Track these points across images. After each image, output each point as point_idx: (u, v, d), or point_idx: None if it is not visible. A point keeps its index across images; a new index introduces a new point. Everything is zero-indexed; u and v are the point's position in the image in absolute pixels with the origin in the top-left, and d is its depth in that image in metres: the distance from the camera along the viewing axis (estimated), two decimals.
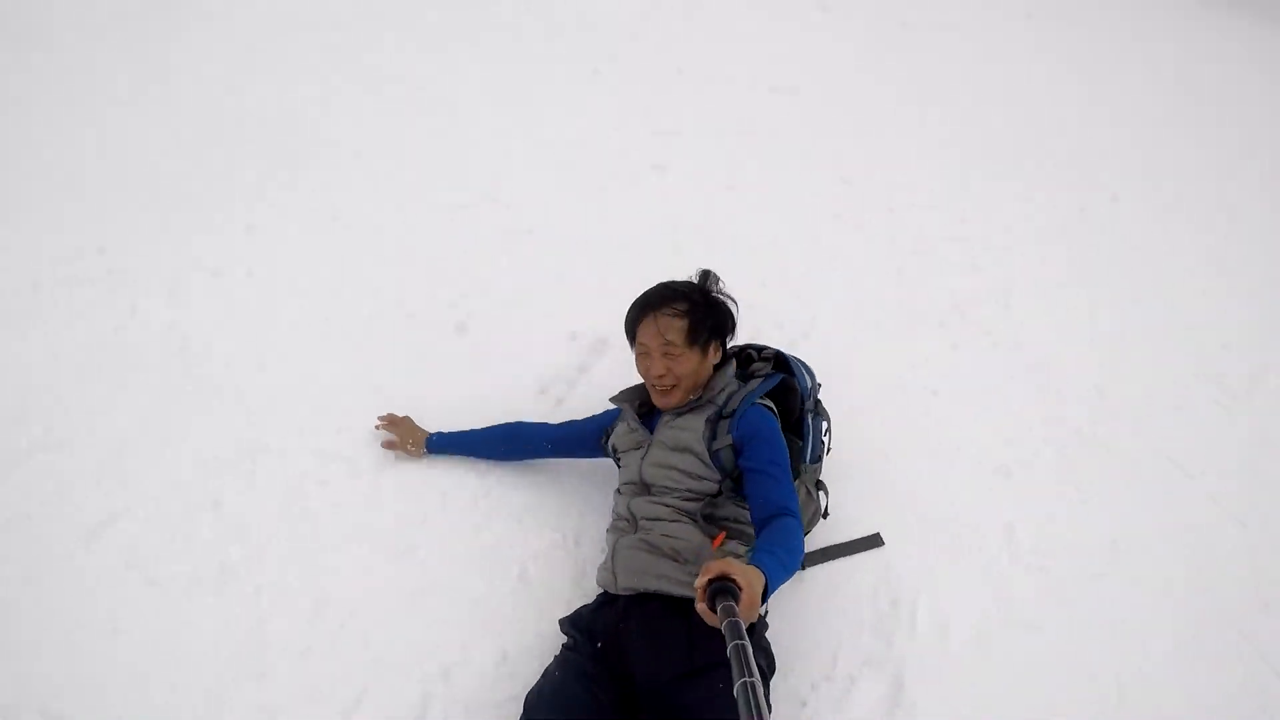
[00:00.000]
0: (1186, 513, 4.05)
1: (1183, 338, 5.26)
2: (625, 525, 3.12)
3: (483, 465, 3.73)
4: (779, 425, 3.11)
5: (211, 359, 3.99)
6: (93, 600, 3.02)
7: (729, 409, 3.13)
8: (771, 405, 3.23)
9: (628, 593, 2.95)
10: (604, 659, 2.82)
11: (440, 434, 3.66)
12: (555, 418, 3.84)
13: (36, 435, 3.50)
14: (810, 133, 6.81)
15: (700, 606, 2.26)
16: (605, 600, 3.03)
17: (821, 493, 3.51)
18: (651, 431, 3.27)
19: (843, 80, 7.68)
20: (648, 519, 3.06)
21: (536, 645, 3.12)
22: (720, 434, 3.08)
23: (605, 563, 3.10)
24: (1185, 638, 3.44)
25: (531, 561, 3.41)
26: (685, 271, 3.31)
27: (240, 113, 5.61)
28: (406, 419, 3.71)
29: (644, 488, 3.16)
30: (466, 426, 3.72)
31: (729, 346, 3.38)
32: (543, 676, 2.82)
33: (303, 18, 6.62)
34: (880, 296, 5.18)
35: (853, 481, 3.78)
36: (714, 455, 3.06)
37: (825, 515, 3.54)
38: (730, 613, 2.18)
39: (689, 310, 3.15)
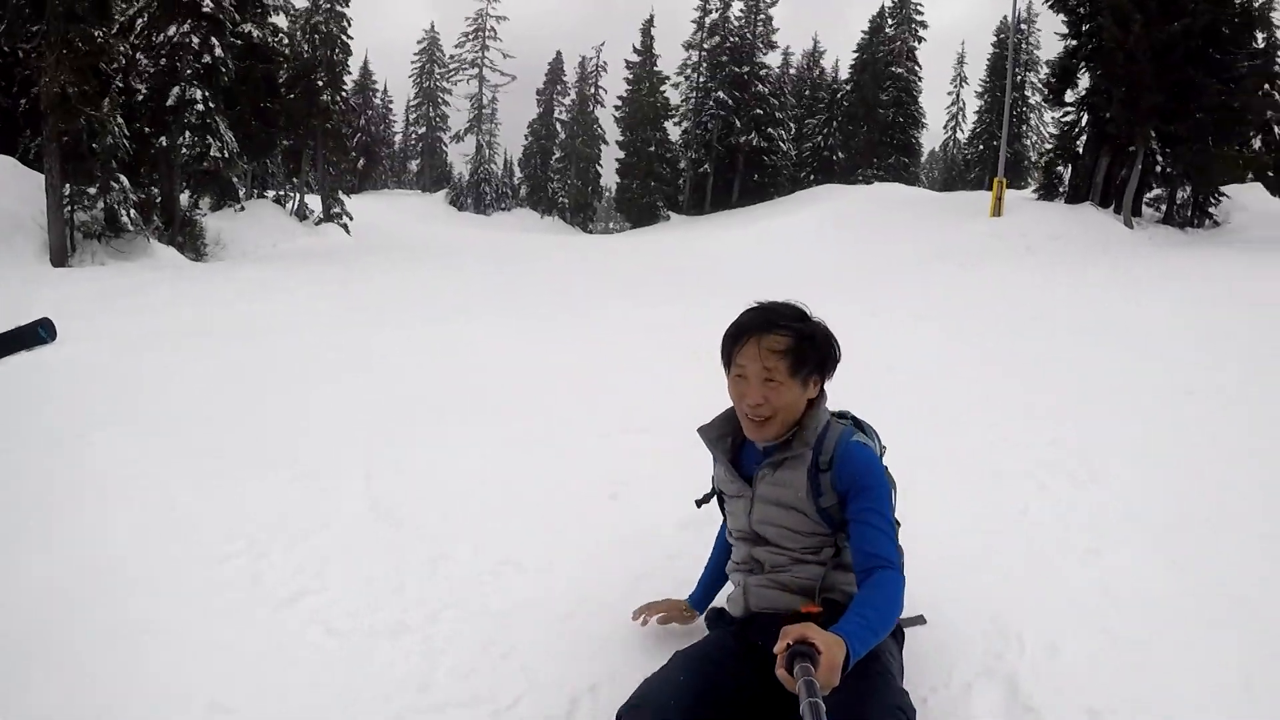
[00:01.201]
0: None
1: None
2: (752, 566, 3.17)
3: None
4: (879, 461, 3.07)
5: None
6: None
7: (824, 458, 3.00)
8: (868, 439, 3.16)
9: (762, 614, 3.07)
10: (745, 640, 3.00)
11: (694, 593, 3.68)
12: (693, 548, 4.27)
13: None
14: None
15: (780, 672, 2.32)
16: (744, 617, 3.15)
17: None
18: (749, 482, 3.17)
19: None
20: (773, 566, 3.11)
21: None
22: (825, 489, 3.00)
23: (736, 596, 3.18)
24: None
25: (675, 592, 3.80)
26: None
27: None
28: (664, 600, 3.70)
29: (758, 538, 3.16)
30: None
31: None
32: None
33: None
34: None
35: None
36: (822, 512, 3.02)
37: None
38: (807, 673, 2.24)
39: (796, 338, 2.97)
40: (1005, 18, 62.90)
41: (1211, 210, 26.76)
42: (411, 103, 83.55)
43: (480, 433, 6.71)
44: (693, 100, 67.26)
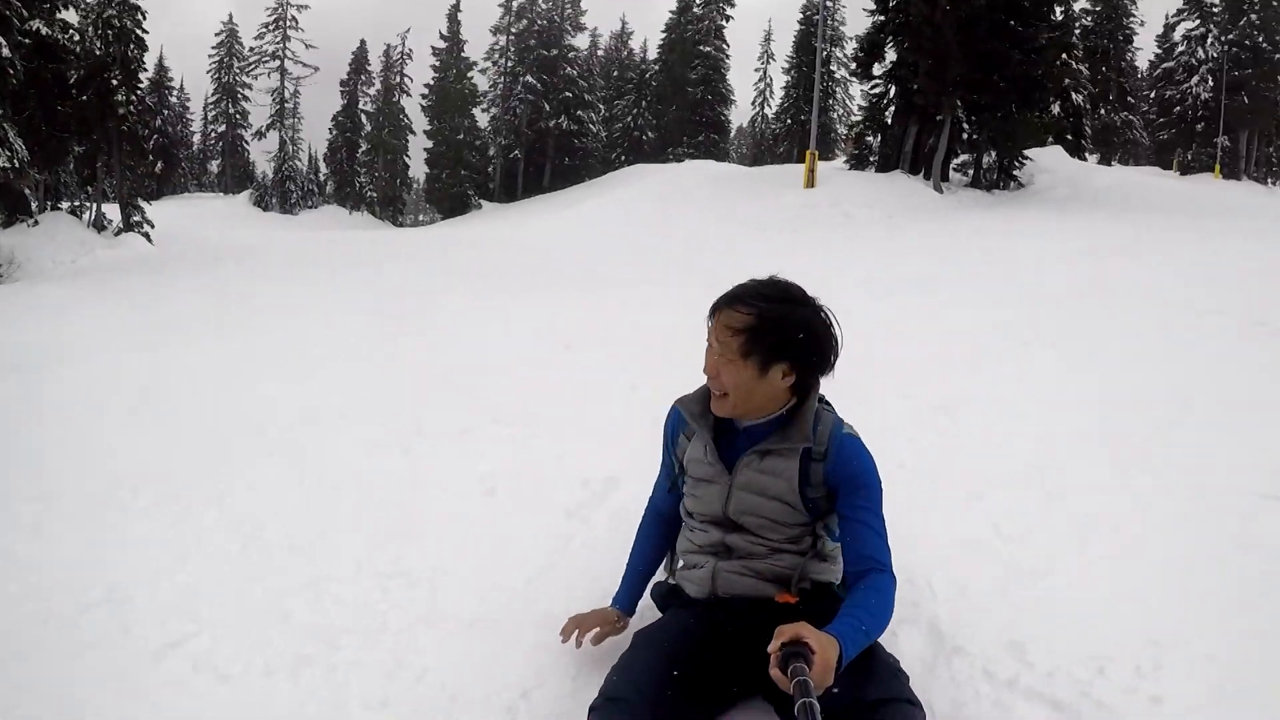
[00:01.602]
0: None
1: None
2: (720, 551, 3.04)
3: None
4: (872, 459, 2.96)
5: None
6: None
7: (819, 449, 2.91)
8: (856, 433, 3.02)
9: (732, 599, 2.98)
10: (710, 623, 2.92)
11: (619, 594, 3.39)
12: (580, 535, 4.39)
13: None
14: None
15: (774, 672, 2.32)
16: (708, 599, 3.03)
17: None
18: (730, 469, 3.01)
19: None
20: (747, 553, 3.00)
21: (613, 649, 3.10)
22: (815, 480, 2.92)
23: (700, 577, 3.05)
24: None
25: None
26: None
27: None
28: (591, 614, 3.36)
29: (734, 526, 3.02)
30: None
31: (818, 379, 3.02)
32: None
33: None
34: None
35: None
36: (808, 501, 2.93)
37: None
38: (801, 673, 2.24)
39: (756, 318, 2.82)
40: None
41: (1016, 173, 28.21)
42: (210, 99, 79.64)
43: (334, 439, 6.26)
44: (501, 86, 67.14)
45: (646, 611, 3.32)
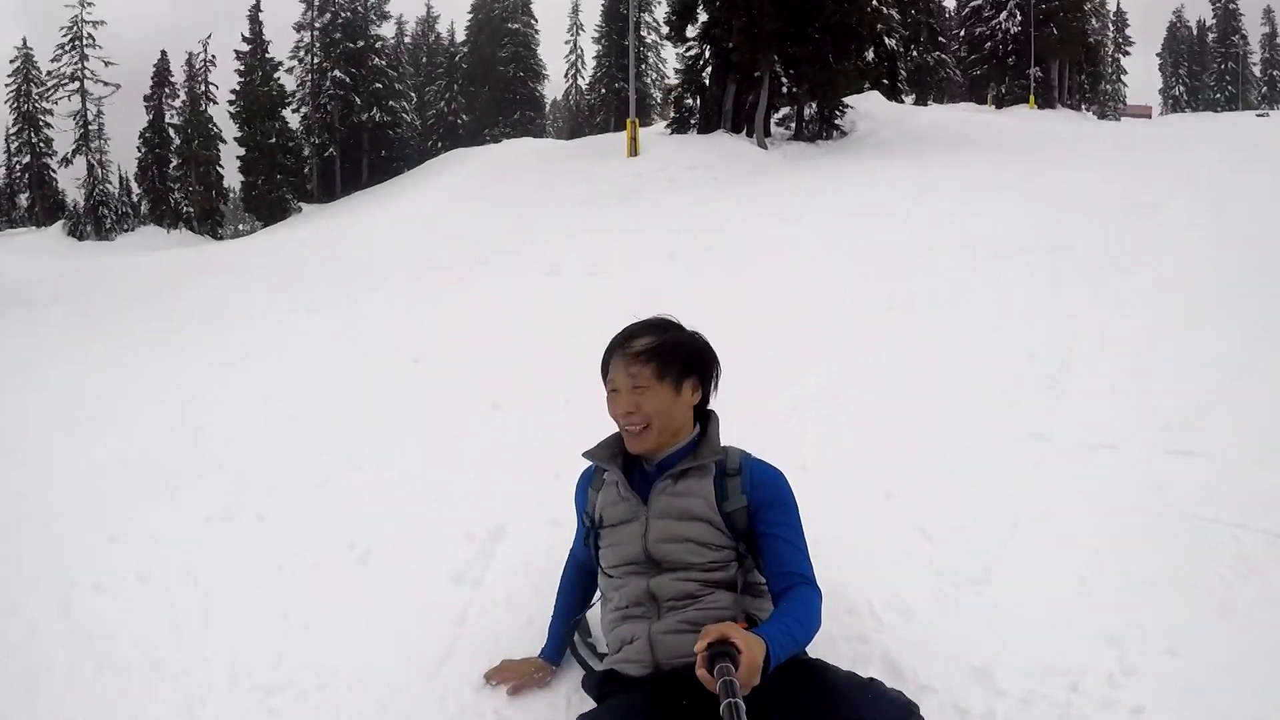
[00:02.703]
0: None
1: None
2: (647, 610, 2.92)
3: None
4: (787, 483, 3.05)
5: None
6: None
7: (731, 465, 3.02)
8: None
9: (682, 668, 2.72)
10: (662, 702, 2.74)
11: (546, 646, 3.38)
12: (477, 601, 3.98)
13: None
14: None
15: (700, 672, 2.32)
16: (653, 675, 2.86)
17: None
18: (645, 501, 3.04)
19: None
20: (677, 598, 2.90)
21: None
22: (732, 494, 2.97)
23: (637, 651, 2.89)
24: None
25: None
26: None
27: None
28: (508, 664, 3.39)
29: (654, 565, 2.95)
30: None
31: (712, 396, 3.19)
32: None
33: None
34: None
35: None
36: (726, 519, 2.94)
37: None
38: (727, 672, 2.25)
39: (657, 342, 3.02)
40: None
41: (838, 122, 28.71)
42: (11, 130, 76.17)
43: (167, 513, 5.38)
44: (309, 84, 65.32)
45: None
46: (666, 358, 2.99)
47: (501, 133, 61.87)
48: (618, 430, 3.11)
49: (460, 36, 72.57)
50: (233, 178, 68.64)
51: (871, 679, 2.68)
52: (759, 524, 2.92)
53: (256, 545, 4.80)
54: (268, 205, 61.73)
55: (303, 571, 4.47)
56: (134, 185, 69.48)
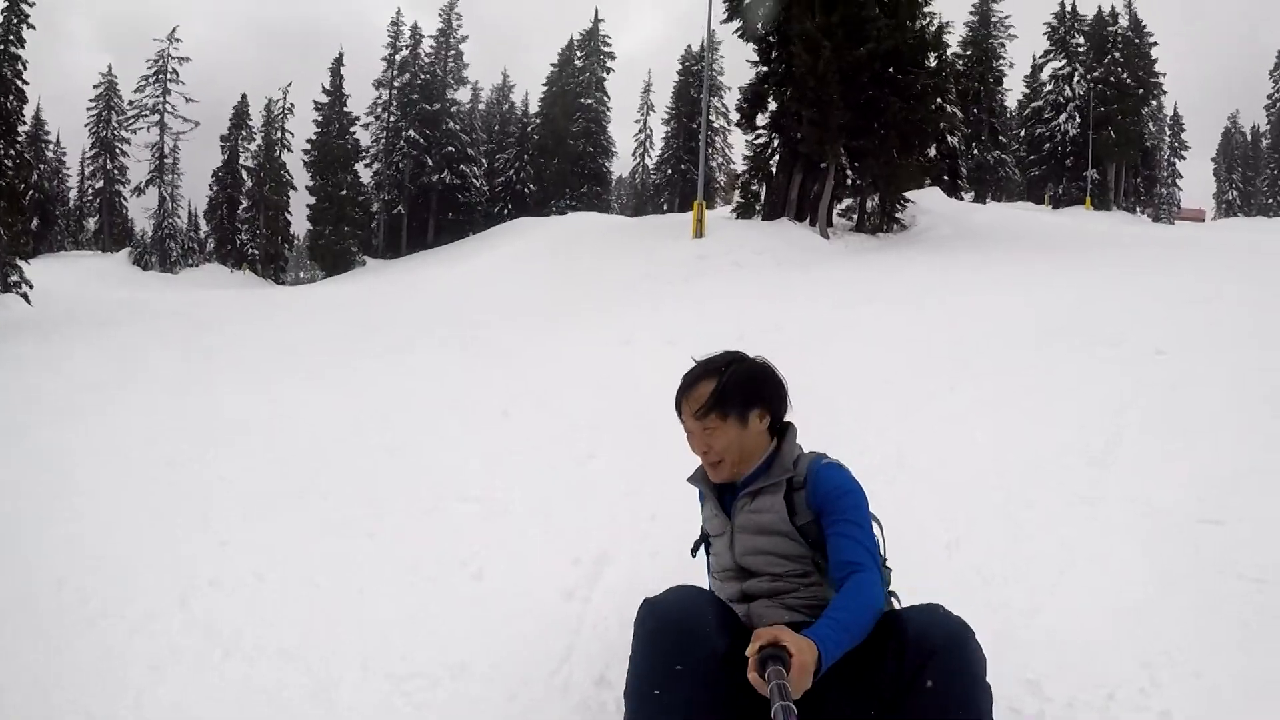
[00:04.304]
0: None
1: None
2: (745, 600, 3.23)
3: None
4: (850, 476, 3.24)
5: None
6: None
7: (798, 479, 3.23)
8: (838, 461, 3.32)
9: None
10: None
11: None
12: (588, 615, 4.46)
13: None
14: None
15: (751, 675, 2.45)
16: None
17: (894, 599, 3.45)
18: (729, 515, 3.36)
19: None
20: (769, 595, 3.18)
21: None
22: (800, 508, 3.19)
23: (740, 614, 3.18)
24: None
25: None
26: None
27: None
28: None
29: (745, 573, 3.26)
30: None
31: (784, 414, 3.44)
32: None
33: None
34: None
35: None
36: (801, 531, 3.17)
37: None
38: (779, 676, 2.33)
39: (716, 388, 3.27)
40: (689, 47, 65.50)
41: (899, 215, 28.70)
42: (87, 155, 75.44)
43: (287, 526, 5.83)
44: (384, 140, 66.31)
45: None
46: (727, 401, 3.25)
47: (567, 204, 62.46)
48: None
49: (534, 107, 73.75)
50: (299, 225, 69.43)
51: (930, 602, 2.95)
52: (824, 526, 3.13)
53: (372, 558, 5.27)
54: (333, 255, 62.28)
55: (419, 583, 4.92)
56: (202, 222, 70.75)
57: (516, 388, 9.62)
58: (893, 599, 3.40)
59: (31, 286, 24.72)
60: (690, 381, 3.36)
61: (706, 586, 3.48)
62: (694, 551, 3.66)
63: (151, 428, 8.53)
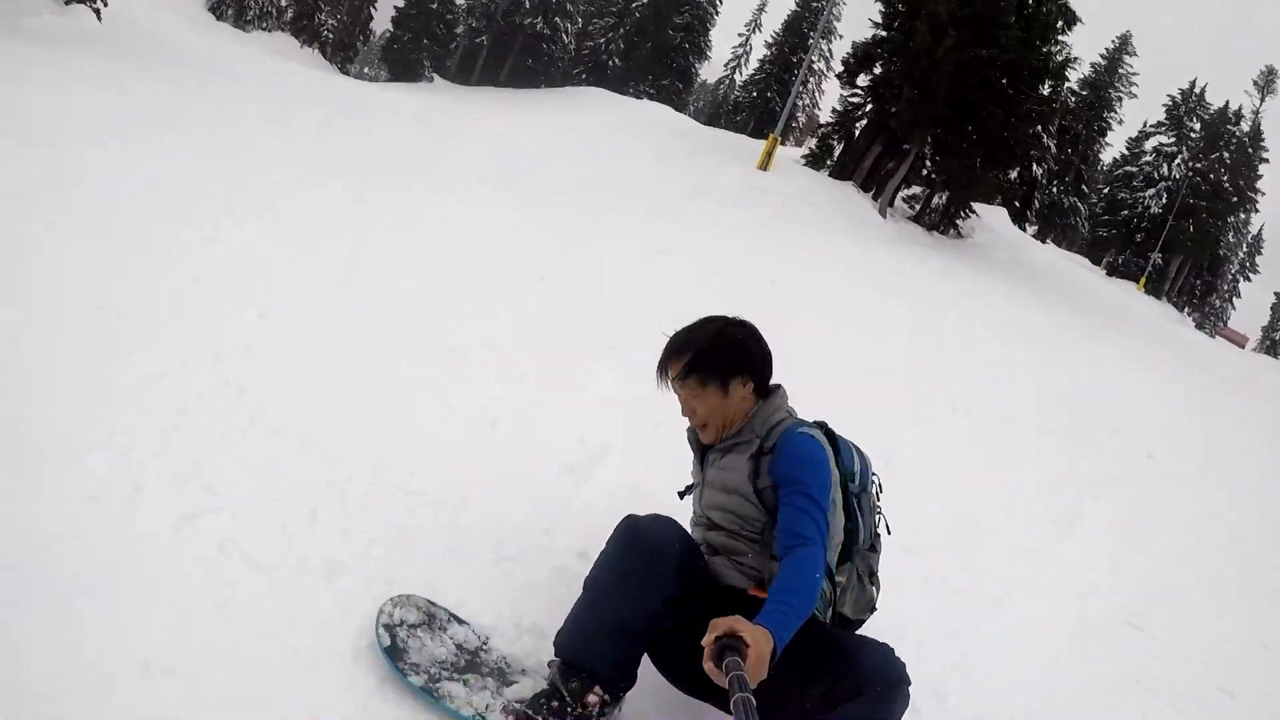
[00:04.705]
0: None
1: None
2: (708, 550, 3.40)
3: None
4: (820, 450, 3.25)
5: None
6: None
7: (768, 444, 3.30)
8: (820, 435, 3.35)
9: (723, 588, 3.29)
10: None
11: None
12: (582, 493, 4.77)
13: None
14: None
15: (708, 665, 2.47)
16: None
17: (874, 586, 3.55)
18: (703, 469, 3.56)
19: None
20: (724, 550, 3.35)
21: None
22: (762, 472, 3.27)
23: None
24: None
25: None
26: None
27: None
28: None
29: (709, 523, 3.43)
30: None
31: (768, 379, 3.53)
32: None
33: None
34: None
35: None
36: (759, 494, 3.27)
37: (874, 609, 3.58)
38: (736, 667, 2.34)
39: (694, 357, 3.40)
40: None
41: (959, 222, 28.55)
42: None
43: (320, 313, 6.14)
44: None
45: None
46: (705, 371, 3.38)
47: (645, 90, 61.75)
48: None
49: None
50: (380, 22, 68.86)
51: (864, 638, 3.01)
52: (779, 498, 3.17)
53: (396, 379, 5.52)
54: (404, 63, 62.03)
55: (439, 415, 5.20)
56: None
57: (553, 265, 9.65)
58: (872, 589, 3.52)
59: (105, 4, 23.85)
60: (671, 351, 3.48)
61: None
62: (681, 495, 3.81)
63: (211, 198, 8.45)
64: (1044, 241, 47.91)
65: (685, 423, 3.58)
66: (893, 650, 2.86)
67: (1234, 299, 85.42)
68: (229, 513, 3.59)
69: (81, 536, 3.19)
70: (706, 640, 2.50)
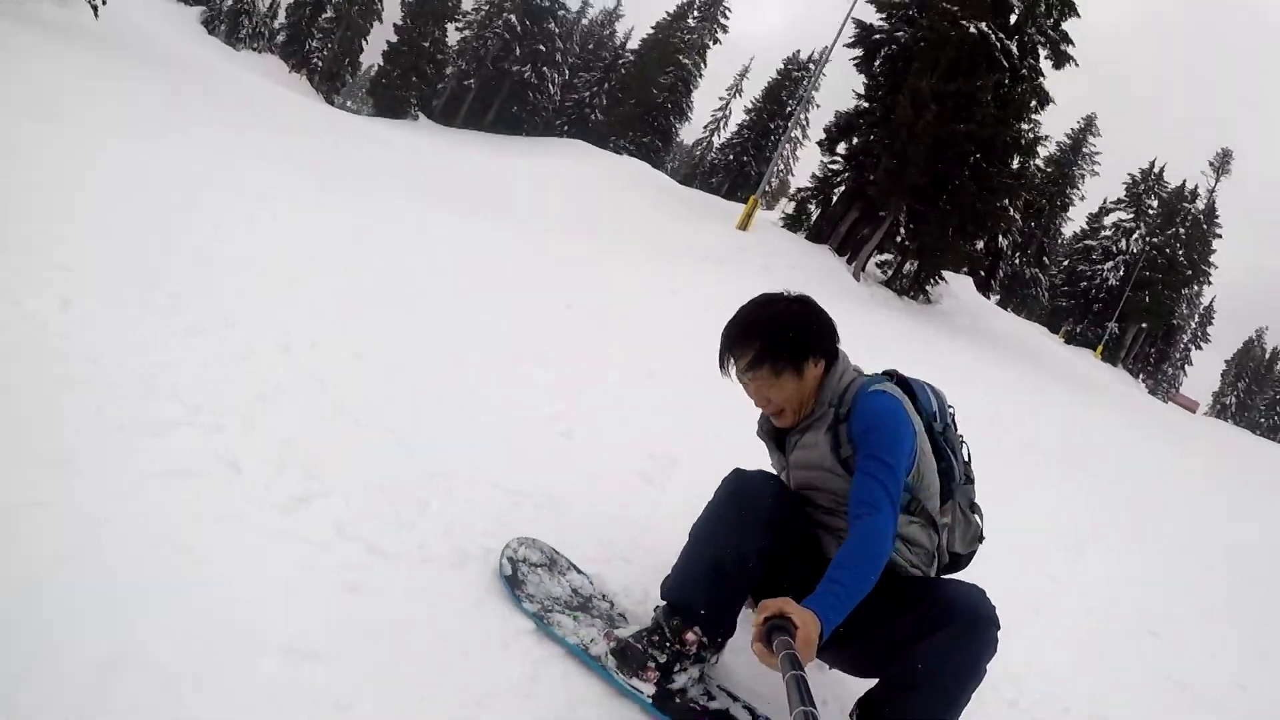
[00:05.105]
0: None
1: None
2: (817, 525, 3.32)
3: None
4: (890, 403, 3.11)
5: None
6: None
7: (843, 410, 3.17)
8: (893, 386, 3.23)
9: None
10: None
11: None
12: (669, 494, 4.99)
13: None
14: None
15: (756, 646, 2.47)
16: None
17: (977, 515, 3.53)
18: (785, 454, 3.43)
19: None
20: (826, 526, 3.28)
21: None
22: (843, 440, 3.13)
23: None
24: None
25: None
26: None
27: None
28: None
29: (810, 501, 3.30)
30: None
31: (836, 350, 3.34)
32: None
33: None
34: None
35: None
36: (844, 464, 3.14)
37: (982, 539, 3.57)
38: (786, 646, 2.33)
39: (762, 347, 3.19)
40: (798, 51, 65.35)
41: (929, 288, 29.45)
42: None
43: (370, 321, 6.26)
44: (482, 14, 66.50)
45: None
46: (775, 359, 3.17)
47: (625, 146, 62.65)
48: None
49: (633, 44, 74.10)
50: (371, 56, 69.38)
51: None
52: (856, 464, 3.03)
53: (463, 384, 5.73)
54: (391, 99, 62.47)
55: (515, 421, 5.38)
56: (282, 13, 68.94)
57: (578, 289, 10.32)
58: (976, 518, 3.54)
59: (104, 2, 23.61)
60: (733, 341, 3.25)
61: None
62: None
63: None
64: (1005, 309, 48.76)
65: (737, 426, 3.63)
66: (985, 592, 2.85)
67: (1185, 366, 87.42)
68: (339, 497, 3.49)
69: (179, 508, 3.03)
70: (755, 620, 2.49)
